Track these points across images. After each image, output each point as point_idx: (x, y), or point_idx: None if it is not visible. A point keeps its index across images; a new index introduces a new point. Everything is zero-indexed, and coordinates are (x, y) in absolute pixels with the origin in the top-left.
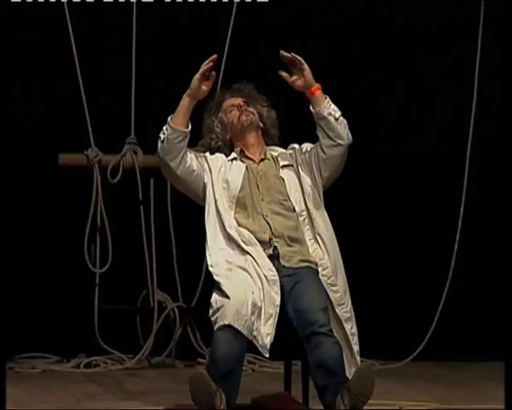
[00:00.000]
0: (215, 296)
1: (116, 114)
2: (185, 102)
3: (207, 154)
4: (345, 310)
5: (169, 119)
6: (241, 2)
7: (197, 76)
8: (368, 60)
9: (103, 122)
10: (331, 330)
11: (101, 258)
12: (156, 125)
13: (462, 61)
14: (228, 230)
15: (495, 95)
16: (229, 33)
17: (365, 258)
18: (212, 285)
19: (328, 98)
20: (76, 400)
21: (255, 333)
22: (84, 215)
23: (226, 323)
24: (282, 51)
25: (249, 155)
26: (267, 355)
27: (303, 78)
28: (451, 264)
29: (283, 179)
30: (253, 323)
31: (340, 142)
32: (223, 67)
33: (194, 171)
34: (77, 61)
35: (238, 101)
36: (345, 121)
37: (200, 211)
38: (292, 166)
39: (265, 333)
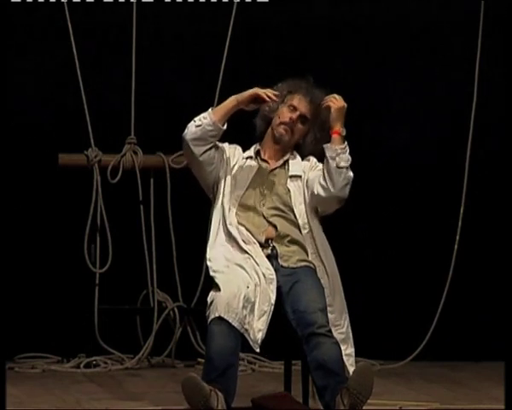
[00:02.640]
0: (210, 293)
1: (116, 114)
2: (231, 104)
3: (227, 146)
4: (340, 331)
5: (210, 109)
6: (241, 2)
7: (255, 92)
8: (367, 61)
9: (103, 122)
10: (330, 331)
11: (101, 258)
12: (156, 125)
13: (463, 61)
14: (228, 226)
15: (495, 94)
16: (229, 33)
17: (365, 258)
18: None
19: (345, 145)
20: (76, 400)
21: (247, 326)
22: (84, 215)
23: (217, 315)
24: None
25: (265, 158)
26: (258, 350)
27: (331, 115)
28: (451, 264)
29: (289, 190)
30: (245, 317)
31: (331, 188)
32: (223, 67)
33: (213, 164)
34: (77, 61)
35: (299, 111)
36: (347, 175)
37: (200, 211)
38: (300, 177)
39: (257, 328)
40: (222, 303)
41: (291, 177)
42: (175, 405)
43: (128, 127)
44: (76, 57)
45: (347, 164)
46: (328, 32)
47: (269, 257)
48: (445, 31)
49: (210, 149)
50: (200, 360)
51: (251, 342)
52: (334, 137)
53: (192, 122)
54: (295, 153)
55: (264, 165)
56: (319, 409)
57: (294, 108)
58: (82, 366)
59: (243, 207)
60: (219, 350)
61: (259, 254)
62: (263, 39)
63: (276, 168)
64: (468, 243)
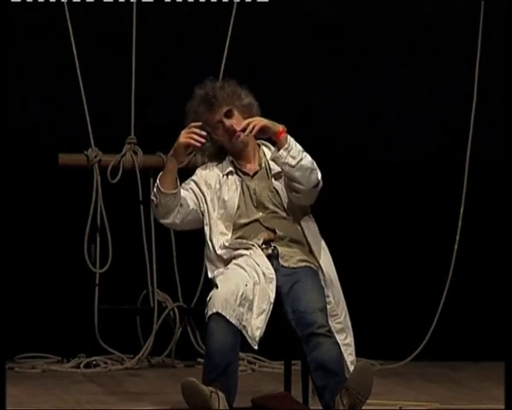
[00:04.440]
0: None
1: (116, 114)
2: (170, 166)
3: (198, 175)
4: (337, 321)
5: (158, 183)
6: (241, 2)
7: (183, 142)
8: (367, 61)
9: (103, 122)
10: (330, 331)
11: (101, 258)
12: (156, 125)
13: (463, 61)
14: (218, 251)
15: (495, 94)
16: (229, 33)
17: (365, 258)
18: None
19: (288, 143)
20: (76, 400)
21: (245, 323)
22: (84, 215)
23: (214, 311)
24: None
25: (243, 169)
26: (256, 347)
27: (265, 133)
28: (451, 264)
29: (277, 191)
30: (243, 314)
31: (301, 186)
32: (223, 67)
33: (190, 211)
34: (77, 61)
35: (223, 116)
36: (306, 164)
37: None
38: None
39: (256, 326)
40: (219, 299)
41: (274, 176)
42: (175, 405)
43: (128, 127)
44: (76, 57)
45: (300, 155)
46: (328, 32)
47: (269, 257)
48: (445, 31)
49: (179, 209)
50: (199, 360)
51: (249, 339)
52: (281, 138)
53: (151, 202)
54: (265, 143)
55: (245, 177)
56: (319, 409)
57: (219, 121)
58: (82, 366)
59: (239, 226)
60: (219, 346)
61: (259, 254)
62: (263, 39)
63: (256, 173)
64: (468, 243)
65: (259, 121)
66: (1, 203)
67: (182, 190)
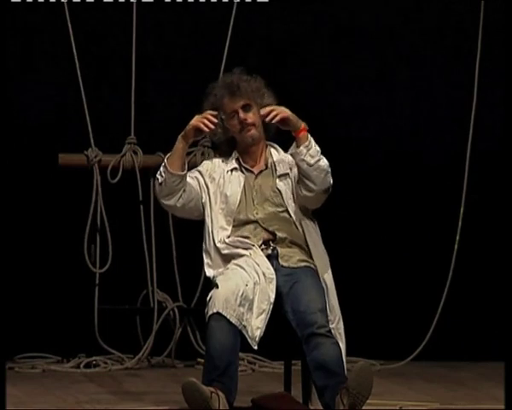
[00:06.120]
0: (210, 292)
1: (116, 114)
2: (180, 145)
3: (204, 166)
4: (330, 326)
5: (166, 161)
6: (241, 2)
7: (194, 125)
8: (368, 60)
9: (103, 122)
10: (330, 331)
11: (101, 258)
12: (156, 125)
13: (462, 62)
14: (218, 244)
15: (495, 94)
16: (229, 33)
17: (365, 257)
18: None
19: (308, 141)
20: (76, 400)
21: (245, 323)
22: (84, 215)
23: (215, 311)
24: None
25: (248, 167)
26: (255, 347)
27: (287, 125)
28: (451, 264)
29: (280, 191)
30: (243, 314)
31: (313, 186)
32: (223, 67)
33: (193, 199)
34: (77, 61)
35: (239, 108)
36: (323, 166)
37: None
38: (288, 174)
39: (256, 326)
40: (220, 299)
41: (279, 177)
42: (175, 405)
43: (128, 127)
44: (76, 57)
45: (318, 156)
46: (328, 32)
47: (269, 257)
48: (445, 31)
49: (182, 192)
50: (199, 360)
51: (249, 339)
52: (302, 135)
53: (156, 181)
54: (273, 144)
55: (249, 174)
56: (319, 409)
57: (235, 111)
58: (82, 366)
59: (239, 221)
60: (219, 347)
61: (259, 255)
62: (263, 39)
63: (261, 172)
64: (468, 243)
65: (284, 111)
66: (1, 203)
67: (187, 178)
